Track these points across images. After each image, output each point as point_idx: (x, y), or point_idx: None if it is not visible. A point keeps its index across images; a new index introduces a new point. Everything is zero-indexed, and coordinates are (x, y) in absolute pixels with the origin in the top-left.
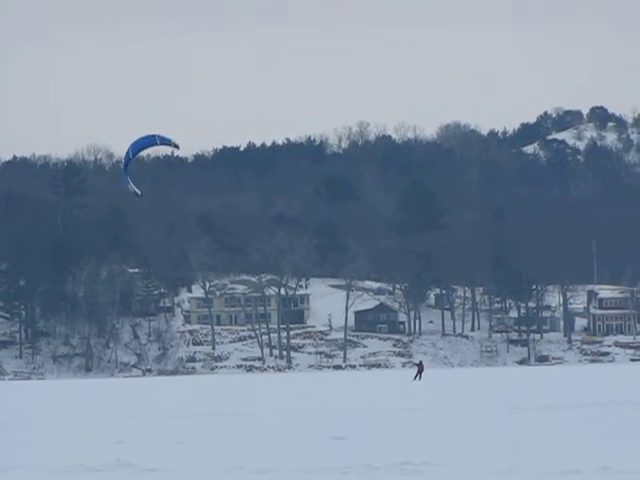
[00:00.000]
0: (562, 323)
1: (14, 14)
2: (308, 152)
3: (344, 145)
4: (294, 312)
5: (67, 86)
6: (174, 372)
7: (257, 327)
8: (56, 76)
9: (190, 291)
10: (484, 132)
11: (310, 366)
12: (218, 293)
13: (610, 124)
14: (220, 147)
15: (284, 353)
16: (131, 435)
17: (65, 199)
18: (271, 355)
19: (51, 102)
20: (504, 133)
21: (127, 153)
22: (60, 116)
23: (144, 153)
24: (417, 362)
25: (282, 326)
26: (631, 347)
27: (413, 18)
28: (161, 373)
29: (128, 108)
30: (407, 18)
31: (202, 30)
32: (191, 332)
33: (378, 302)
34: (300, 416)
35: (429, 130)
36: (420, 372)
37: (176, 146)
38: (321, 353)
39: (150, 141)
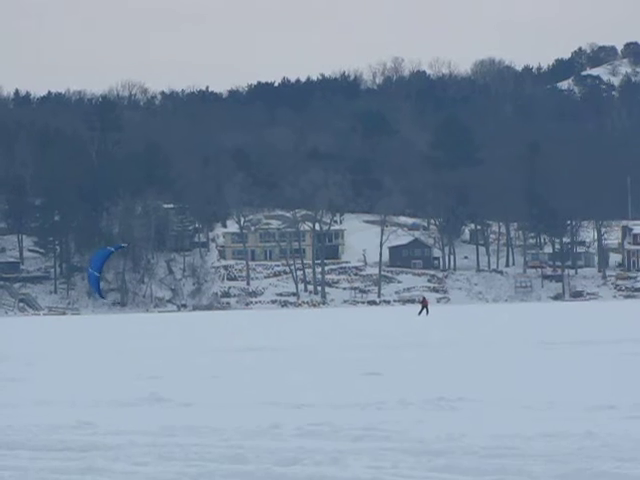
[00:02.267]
0: (596, 259)
1: None
2: (342, 88)
3: (378, 81)
4: (328, 247)
5: (101, 21)
6: (209, 307)
7: (292, 262)
8: (91, 11)
9: (225, 226)
10: (518, 68)
11: (344, 301)
12: (253, 228)
13: None
14: (255, 82)
15: (318, 288)
16: (166, 370)
17: (100, 135)
18: (305, 290)
19: (85, 37)
20: (538, 69)
21: (91, 274)
22: (95, 51)
23: (179, 89)
24: (421, 298)
25: (316, 261)
26: None
27: None
28: (196, 308)
29: (162, 43)
30: None
31: None
32: (226, 267)
33: (413, 238)
34: (334, 351)
35: (464, 66)
36: (425, 307)
37: (122, 246)
38: (355, 288)
39: (105, 252)
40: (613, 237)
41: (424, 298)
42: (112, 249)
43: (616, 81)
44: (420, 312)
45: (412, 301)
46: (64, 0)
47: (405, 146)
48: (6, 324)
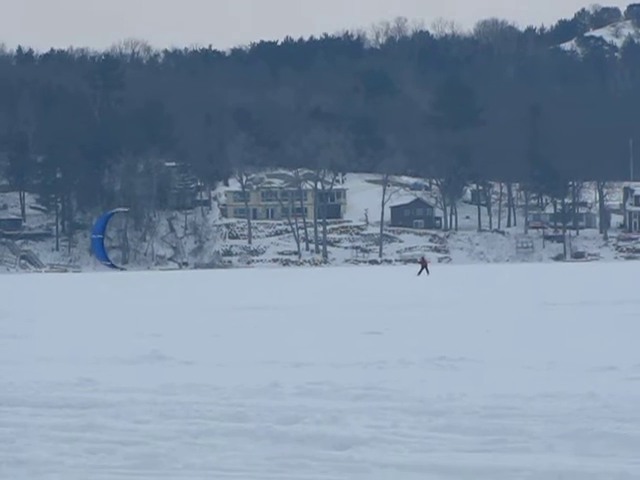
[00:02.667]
0: (598, 220)
1: None
2: (345, 47)
3: (381, 40)
4: (330, 207)
5: None
6: (210, 265)
7: (293, 221)
8: None
9: (227, 185)
10: (521, 29)
11: (346, 261)
12: (255, 187)
13: None
14: (257, 41)
15: (320, 247)
16: (167, 328)
17: (102, 92)
18: (307, 249)
19: None
20: (541, 30)
21: (94, 240)
22: (97, 9)
23: (182, 47)
24: (420, 258)
25: (318, 220)
26: None
27: None
28: (197, 266)
29: (165, 1)
30: None
31: None
32: (227, 226)
33: (414, 197)
34: (335, 310)
35: (466, 26)
36: (424, 267)
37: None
38: (357, 248)
39: (106, 215)
40: (615, 198)
41: (423, 258)
42: (112, 212)
43: (619, 42)
44: (420, 272)
45: (414, 261)
46: None
47: (407, 106)
48: (7, 281)
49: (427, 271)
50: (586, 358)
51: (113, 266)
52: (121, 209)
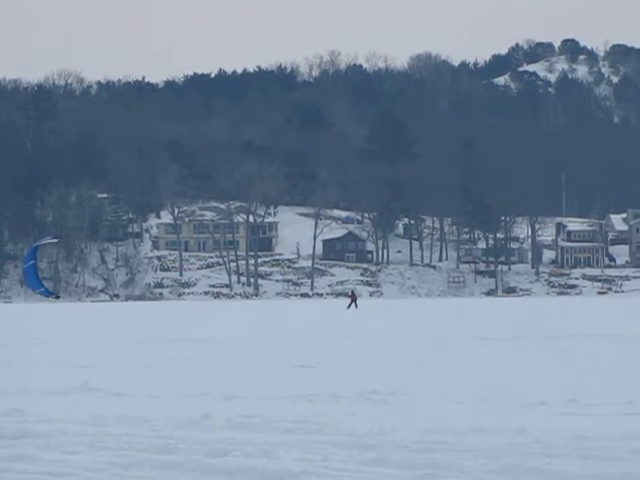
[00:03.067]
0: (530, 255)
1: None
2: (279, 80)
3: (315, 73)
4: (262, 240)
5: (38, 9)
6: (141, 297)
7: (225, 254)
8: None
9: (159, 217)
10: (455, 63)
11: (277, 294)
12: (187, 219)
13: (581, 57)
14: (191, 73)
15: (252, 280)
16: (97, 359)
17: (35, 123)
18: (239, 282)
19: (22, 25)
20: (475, 64)
21: (27, 269)
22: (31, 40)
23: (115, 78)
24: (349, 292)
25: (250, 253)
26: (598, 280)
27: None
28: (128, 298)
29: (99, 33)
30: None
31: None
32: (159, 258)
33: (346, 231)
34: (266, 343)
35: (400, 60)
36: (354, 301)
37: (56, 238)
38: (289, 281)
39: (34, 247)
40: (547, 233)
41: (353, 292)
42: (42, 242)
43: (553, 77)
44: (349, 306)
45: (345, 294)
46: None
47: (340, 139)
48: None
49: (356, 305)
50: (517, 393)
51: (48, 293)
52: (51, 239)
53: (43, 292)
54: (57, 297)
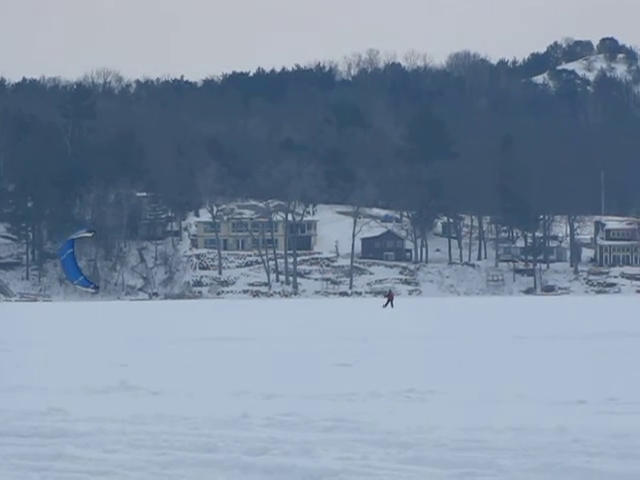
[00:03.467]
0: (569, 253)
1: None
2: (317, 78)
3: (353, 72)
4: (301, 238)
5: (77, 8)
6: (180, 296)
7: (264, 252)
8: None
9: (198, 215)
10: (494, 61)
11: (316, 292)
12: (225, 218)
13: (620, 55)
14: (229, 72)
15: (290, 279)
16: (136, 358)
17: (74, 122)
18: (277, 281)
19: (61, 24)
20: (514, 63)
21: (65, 259)
22: (70, 38)
23: (154, 77)
24: (387, 291)
25: (289, 252)
26: (637, 278)
27: None
28: (167, 297)
29: (138, 32)
30: None
31: None
32: (198, 256)
33: (385, 229)
34: (305, 342)
35: (439, 59)
36: (390, 300)
37: (91, 231)
38: (327, 279)
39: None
40: (586, 232)
41: (390, 291)
42: (77, 235)
43: (591, 76)
44: (385, 305)
45: (384, 293)
46: None
47: (379, 138)
48: None
49: (392, 304)
50: (556, 392)
51: (87, 282)
52: (86, 232)
53: (82, 281)
54: (96, 287)
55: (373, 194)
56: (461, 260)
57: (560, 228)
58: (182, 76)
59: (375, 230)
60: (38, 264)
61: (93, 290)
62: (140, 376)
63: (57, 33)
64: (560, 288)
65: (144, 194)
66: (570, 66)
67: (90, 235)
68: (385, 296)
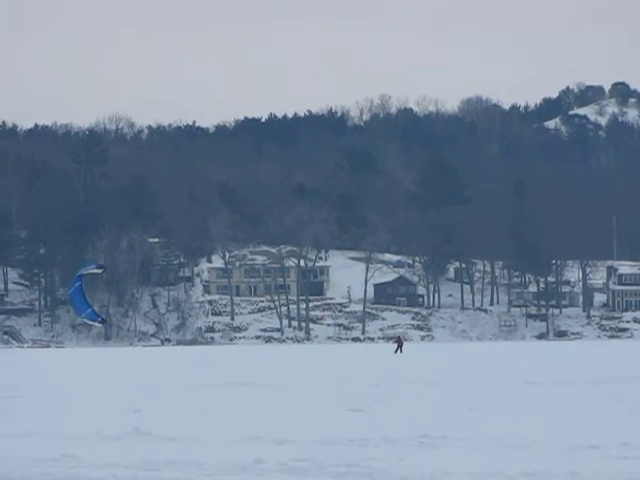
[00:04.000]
0: (581, 298)
1: None
2: (329, 124)
3: (365, 117)
4: (313, 284)
5: (90, 55)
6: (193, 342)
7: (276, 298)
8: (78, 45)
9: (210, 261)
10: (506, 106)
11: (329, 338)
12: (238, 263)
13: (632, 100)
14: (242, 118)
15: (303, 324)
16: (149, 404)
17: (86, 168)
18: (290, 326)
19: (74, 70)
20: (526, 107)
21: (73, 293)
22: (82, 84)
23: (166, 123)
24: (396, 337)
25: (301, 297)
26: None
27: None
28: (180, 343)
29: (150, 78)
30: None
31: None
32: (210, 302)
33: (397, 275)
34: (318, 388)
35: (451, 104)
36: (400, 346)
37: (100, 267)
38: (340, 325)
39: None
40: (598, 277)
41: (399, 337)
42: (86, 271)
43: (603, 121)
44: (396, 351)
45: (394, 339)
46: (52, 33)
47: (391, 183)
48: None
49: (401, 350)
50: (568, 437)
51: (95, 316)
52: (95, 268)
53: (90, 314)
54: (103, 321)
55: (385, 239)
56: (473, 305)
57: (572, 273)
58: (194, 122)
59: (387, 275)
60: (50, 310)
61: (100, 324)
62: (153, 422)
63: (69, 79)
64: (572, 333)
65: (156, 240)
66: (582, 111)
67: (100, 271)
68: (395, 342)
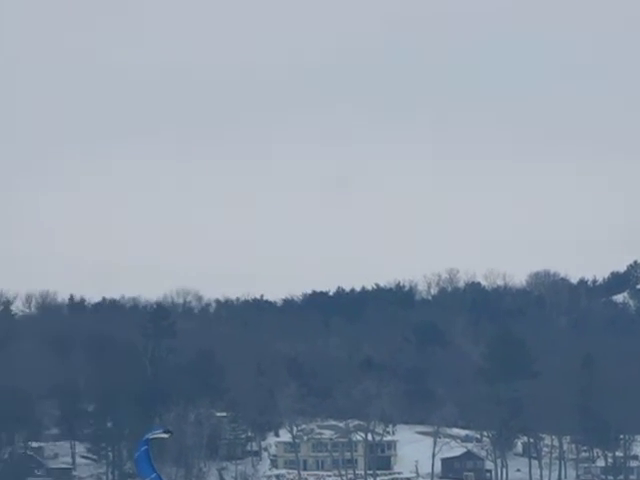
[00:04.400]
0: None
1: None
2: (397, 298)
3: (433, 291)
4: (381, 458)
5: (157, 230)
6: None
7: (344, 472)
8: (144, 219)
9: (277, 435)
10: (574, 280)
11: None
12: (305, 438)
13: None
14: (309, 292)
15: None
16: None
17: (154, 341)
18: None
19: (141, 244)
20: (594, 281)
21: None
22: (150, 257)
23: (234, 296)
24: None
25: (369, 472)
26: None
27: (500, 166)
28: None
29: (217, 251)
30: (494, 163)
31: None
32: (278, 477)
33: (465, 449)
34: None
35: (519, 277)
36: None
37: (167, 431)
38: None
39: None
40: None
41: None
42: (153, 435)
43: None
44: None
45: None
46: (123, 212)
47: (459, 357)
48: None
49: None
50: None
51: None
52: (162, 432)
53: (154, 479)
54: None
55: (453, 413)
56: None
57: None
58: (262, 295)
59: (455, 450)
60: None
61: None
62: None
63: (135, 252)
64: None
65: (224, 414)
66: None
67: (167, 436)
68: None
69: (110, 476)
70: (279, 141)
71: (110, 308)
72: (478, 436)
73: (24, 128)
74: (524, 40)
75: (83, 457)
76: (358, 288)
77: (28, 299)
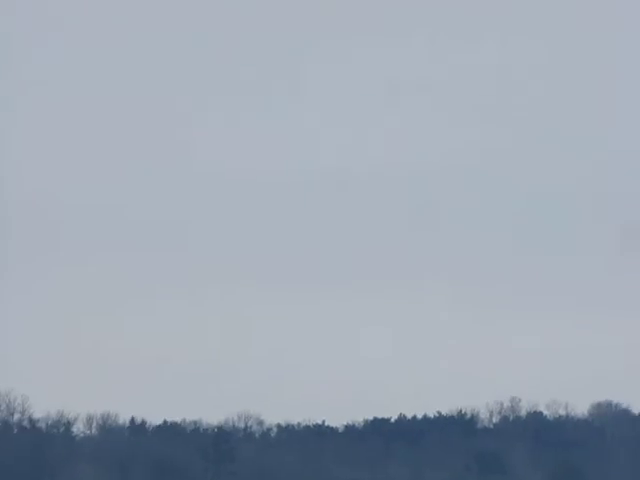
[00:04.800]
0: None
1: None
2: (459, 425)
3: (495, 419)
4: None
5: (220, 352)
6: None
7: None
8: (212, 341)
9: None
10: (635, 411)
11: None
12: None
13: None
14: (371, 418)
15: None
16: None
17: (214, 466)
18: None
19: (203, 367)
20: None
21: None
22: (212, 382)
23: (294, 421)
24: None
25: None
26: None
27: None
28: None
29: (279, 376)
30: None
31: None
32: None
33: None
34: None
35: (581, 408)
36: None
37: None
38: None
39: None
40: None
41: None
42: None
43: None
44: None
45: None
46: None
47: None
48: None
49: None
50: None
51: None
52: None
53: None
54: None
55: None
56: None
57: None
58: (324, 421)
59: None
60: None
61: None
62: None
63: (197, 376)
64: None
65: None
66: None
67: None
68: None
69: None
70: None
71: (171, 431)
72: None
73: None
74: None
75: None
76: (420, 415)
77: (89, 420)
